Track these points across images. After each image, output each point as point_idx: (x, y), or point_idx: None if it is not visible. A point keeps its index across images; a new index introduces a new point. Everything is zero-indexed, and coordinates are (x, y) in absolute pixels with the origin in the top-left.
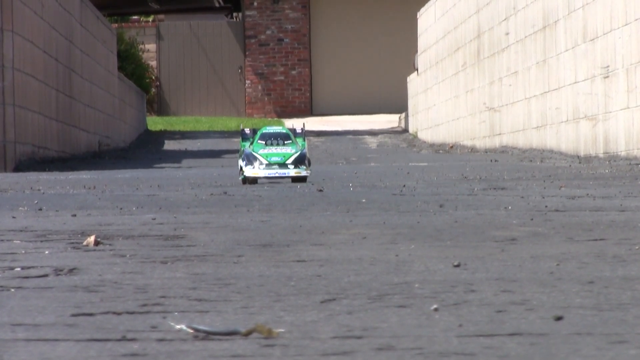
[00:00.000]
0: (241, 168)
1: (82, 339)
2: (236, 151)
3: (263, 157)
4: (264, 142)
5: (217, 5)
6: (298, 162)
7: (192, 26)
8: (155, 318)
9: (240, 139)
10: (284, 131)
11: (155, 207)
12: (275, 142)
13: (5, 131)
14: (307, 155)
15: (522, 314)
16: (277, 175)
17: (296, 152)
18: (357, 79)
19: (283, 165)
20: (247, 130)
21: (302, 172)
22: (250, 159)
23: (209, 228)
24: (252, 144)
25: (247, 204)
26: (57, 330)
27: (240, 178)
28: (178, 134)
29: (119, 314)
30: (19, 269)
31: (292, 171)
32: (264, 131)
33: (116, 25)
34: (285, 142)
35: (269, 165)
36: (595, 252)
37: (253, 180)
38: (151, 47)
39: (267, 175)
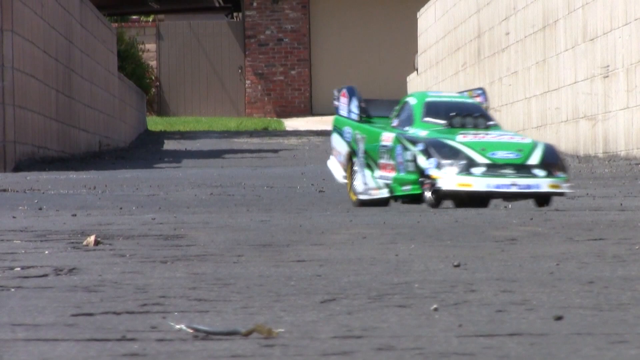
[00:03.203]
0: (385, 180)
1: (82, 338)
2: (236, 151)
3: (475, 149)
4: (442, 123)
5: (217, 5)
6: (549, 165)
7: (192, 26)
8: (155, 318)
9: (334, 117)
10: (471, 102)
11: (155, 207)
12: (470, 122)
13: (5, 131)
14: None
15: (522, 314)
16: (512, 190)
17: (536, 145)
18: (357, 79)
19: (522, 168)
20: (343, 94)
21: (562, 184)
22: (442, 152)
23: (208, 228)
24: (412, 124)
25: (247, 203)
26: (57, 330)
27: (359, 197)
28: (178, 134)
29: (119, 314)
30: (19, 268)
31: (543, 182)
32: (430, 99)
33: (116, 25)
34: (488, 123)
35: (494, 167)
36: (595, 252)
37: (415, 198)
38: (151, 47)
39: (495, 188)
